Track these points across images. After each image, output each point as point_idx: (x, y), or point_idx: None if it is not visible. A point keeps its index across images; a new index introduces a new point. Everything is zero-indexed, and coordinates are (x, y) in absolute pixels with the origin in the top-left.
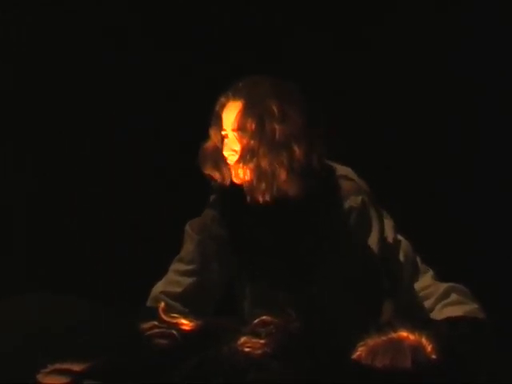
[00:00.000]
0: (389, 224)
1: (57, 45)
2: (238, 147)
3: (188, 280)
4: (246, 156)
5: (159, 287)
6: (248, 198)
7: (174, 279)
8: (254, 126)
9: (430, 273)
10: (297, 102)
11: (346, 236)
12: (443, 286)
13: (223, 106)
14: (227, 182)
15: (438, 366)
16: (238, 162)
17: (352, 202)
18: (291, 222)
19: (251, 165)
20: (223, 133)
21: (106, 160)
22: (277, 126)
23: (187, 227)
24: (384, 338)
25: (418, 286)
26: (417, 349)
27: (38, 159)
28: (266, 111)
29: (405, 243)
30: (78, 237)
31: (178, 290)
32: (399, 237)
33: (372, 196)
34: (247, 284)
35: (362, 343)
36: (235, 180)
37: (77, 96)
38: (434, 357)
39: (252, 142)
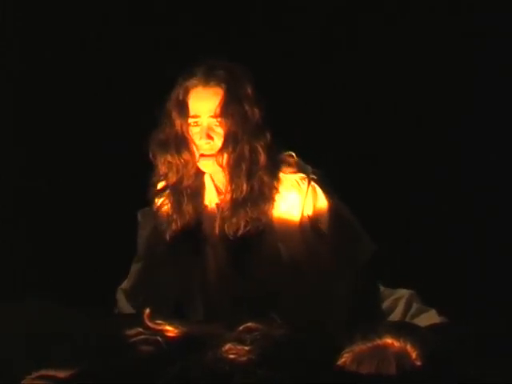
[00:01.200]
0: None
1: None
2: (216, 134)
3: (136, 266)
4: (229, 142)
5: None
6: (226, 187)
7: (131, 270)
8: (237, 111)
9: None
10: (255, 87)
11: (296, 222)
12: (401, 296)
13: (190, 93)
14: (183, 173)
15: (423, 373)
16: (221, 149)
17: (298, 187)
18: (242, 215)
19: (234, 152)
20: (194, 120)
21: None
22: (256, 110)
23: (138, 215)
24: (369, 344)
25: None
26: (402, 356)
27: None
28: (245, 96)
29: None
30: (63, 242)
31: (129, 283)
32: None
33: (319, 175)
34: (194, 278)
35: (347, 350)
36: (205, 169)
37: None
38: (418, 363)
39: (236, 127)
